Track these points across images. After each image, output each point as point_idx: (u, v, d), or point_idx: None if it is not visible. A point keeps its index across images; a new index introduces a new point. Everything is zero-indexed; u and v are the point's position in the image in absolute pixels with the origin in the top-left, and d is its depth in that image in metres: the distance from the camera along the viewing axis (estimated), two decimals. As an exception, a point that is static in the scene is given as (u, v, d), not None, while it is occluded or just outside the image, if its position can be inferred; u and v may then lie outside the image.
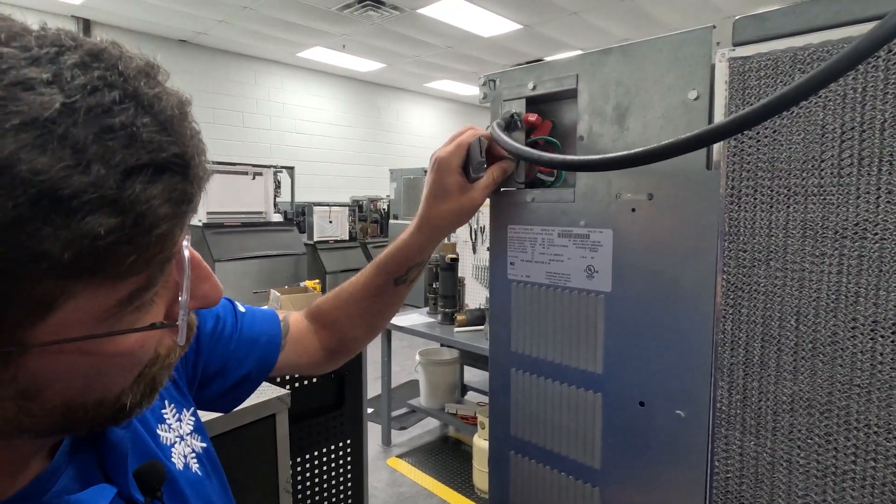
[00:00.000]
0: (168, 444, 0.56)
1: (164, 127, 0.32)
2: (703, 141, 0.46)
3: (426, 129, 11.25)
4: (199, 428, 0.62)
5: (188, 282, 0.39)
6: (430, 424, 3.97)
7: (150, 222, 0.30)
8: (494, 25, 6.82)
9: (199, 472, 0.58)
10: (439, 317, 3.51)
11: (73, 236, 0.27)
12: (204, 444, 0.62)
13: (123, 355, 0.36)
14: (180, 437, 0.58)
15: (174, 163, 0.32)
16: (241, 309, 0.72)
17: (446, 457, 3.52)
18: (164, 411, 0.58)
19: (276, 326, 0.74)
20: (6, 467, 0.39)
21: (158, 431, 0.56)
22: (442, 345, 3.77)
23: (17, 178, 0.25)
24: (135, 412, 0.41)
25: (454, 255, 3.58)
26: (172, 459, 0.55)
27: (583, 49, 7.66)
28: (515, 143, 0.68)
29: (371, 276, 0.77)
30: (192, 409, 0.63)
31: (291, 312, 0.80)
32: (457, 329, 3.30)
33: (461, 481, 3.20)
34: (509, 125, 0.77)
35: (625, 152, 0.52)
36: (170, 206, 0.31)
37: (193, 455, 0.59)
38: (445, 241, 4.17)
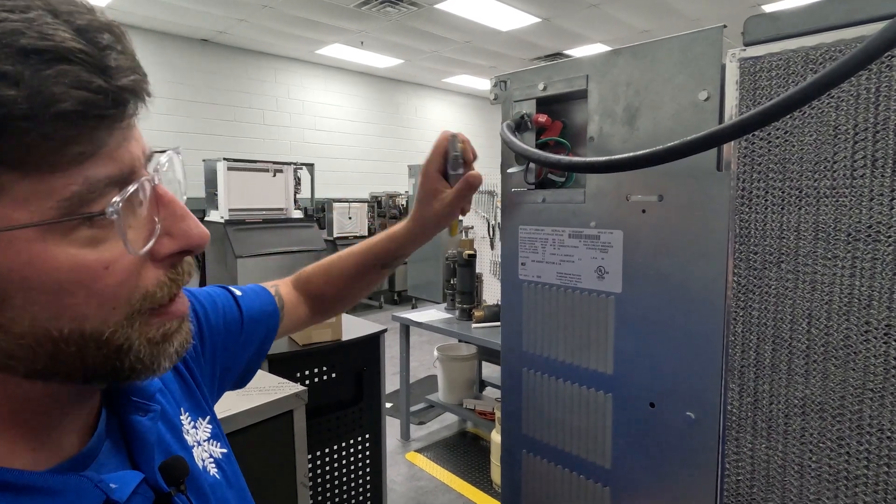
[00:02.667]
0: (189, 444, 0.57)
1: (74, 28, 0.33)
2: (705, 144, 0.46)
3: (445, 125, 11.23)
4: (216, 435, 0.63)
5: (148, 197, 0.38)
6: (449, 419, 3.99)
7: (46, 98, 0.31)
8: (513, 19, 6.76)
9: (218, 476, 0.59)
10: (457, 313, 3.52)
11: None
12: (224, 450, 0.62)
13: (82, 271, 0.35)
14: (197, 442, 0.59)
15: (80, 57, 0.33)
16: (238, 292, 0.74)
17: (464, 451, 3.54)
18: (181, 417, 0.59)
19: (271, 302, 0.79)
20: (30, 435, 0.40)
21: (182, 431, 0.57)
22: (460, 340, 3.78)
23: None
24: (146, 368, 0.41)
25: (472, 252, 3.58)
26: (194, 460, 0.56)
27: (603, 42, 7.56)
28: (523, 144, 0.69)
29: (362, 261, 0.83)
30: (209, 417, 0.63)
31: (279, 284, 0.84)
32: (474, 325, 3.31)
33: (479, 476, 3.21)
34: (519, 126, 0.77)
35: (627, 155, 0.51)
36: (72, 90, 0.32)
37: (211, 460, 0.59)
38: (463, 237, 4.17)
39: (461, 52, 8.31)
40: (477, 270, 3.59)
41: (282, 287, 0.83)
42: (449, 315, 3.60)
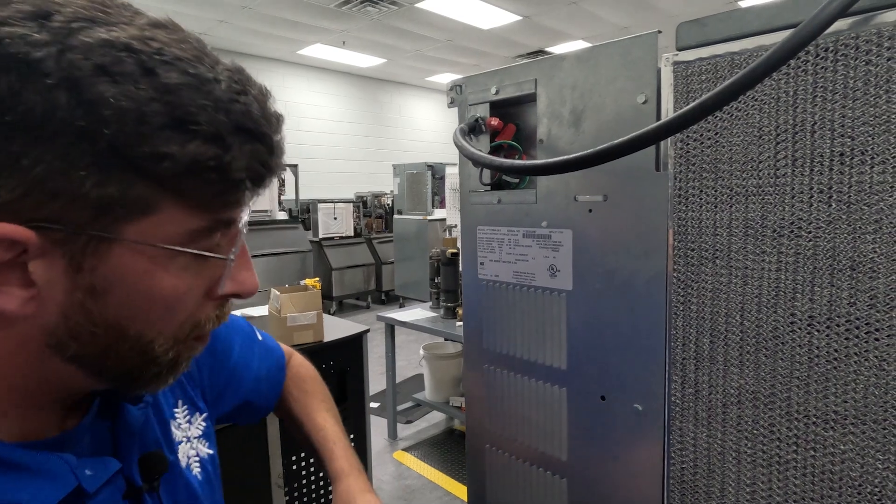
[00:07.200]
0: (176, 440, 0.59)
1: (266, 114, 0.41)
2: (630, 147, 0.48)
3: (428, 124, 11.24)
4: (208, 435, 0.64)
5: (239, 247, 0.45)
6: (436, 418, 4.01)
7: (237, 164, 0.39)
8: (494, 17, 6.79)
9: (199, 477, 0.60)
10: (442, 311, 3.54)
11: (187, 150, 0.36)
12: (211, 452, 0.63)
13: (171, 292, 0.41)
14: (187, 438, 0.61)
15: (267, 141, 0.41)
16: (259, 337, 0.80)
17: (451, 449, 3.56)
18: (175, 410, 0.61)
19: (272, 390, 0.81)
20: (28, 410, 0.43)
21: (170, 424, 0.59)
22: (445, 339, 3.80)
23: (177, 98, 0.36)
24: (157, 381, 0.45)
25: (455, 251, 3.60)
26: (177, 454, 0.58)
27: (584, 39, 7.61)
28: (473, 148, 0.70)
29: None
30: (205, 415, 0.65)
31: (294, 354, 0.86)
32: (458, 323, 3.33)
33: (466, 473, 3.24)
34: (473, 129, 0.79)
35: (554, 159, 0.53)
36: (255, 163, 0.40)
37: (197, 459, 0.61)
38: (447, 235, 4.18)
39: (443, 51, 8.32)
40: (460, 269, 3.61)
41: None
42: (434, 314, 3.62)
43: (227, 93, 0.39)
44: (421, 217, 6.07)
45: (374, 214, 7.97)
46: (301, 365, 0.85)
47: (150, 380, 0.45)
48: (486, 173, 0.80)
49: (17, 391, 0.42)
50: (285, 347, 0.84)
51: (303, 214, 7.16)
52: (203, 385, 0.68)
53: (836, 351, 0.52)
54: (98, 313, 0.39)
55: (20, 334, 0.39)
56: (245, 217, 0.45)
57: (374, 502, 0.69)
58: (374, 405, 3.80)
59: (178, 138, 0.36)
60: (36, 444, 0.43)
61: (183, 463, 0.58)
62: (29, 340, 0.40)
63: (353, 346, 2.48)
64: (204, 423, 0.64)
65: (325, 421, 0.79)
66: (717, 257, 0.60)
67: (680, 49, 0.60)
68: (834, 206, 0.51)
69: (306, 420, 0.80)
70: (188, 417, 0.62)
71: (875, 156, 0.48)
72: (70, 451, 0.45)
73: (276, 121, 0.43)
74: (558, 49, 7.95)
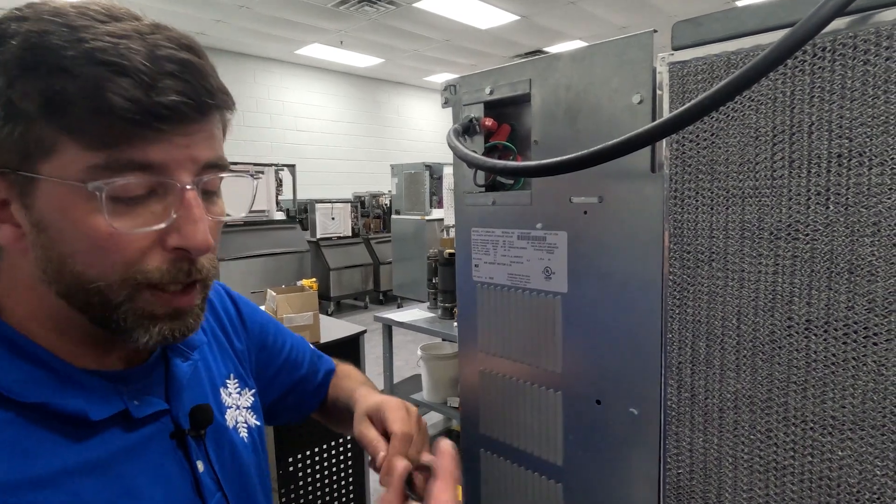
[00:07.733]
0: (225, 405, 0.64)
1: (151, 55, 0.42)
2: (624, 149, 0.47)
3: (426, 124, 11.24)
4: (256, 408, 0.69)
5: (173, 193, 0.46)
6: (434, 418, 4.01)
7: (100, 95, 0.41)
8: (492, 17, 6.78)
9: (245, 440, 0.64)
10: (439, 311, 3.54)
11: (38, 85, 0.41)
12: (258, 423, 0.69)
13: (91, 231, 0.44)
14: (236, 405, 0.66)
15: (136, 75, 0.41)
16: (310, 346, 0.88)
17: (449, 450, 3.55)
18: (227, 381, 0.66)
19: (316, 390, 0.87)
20: (71, 341, 0.49)
21: (221, 391, 0.64)
22: (443, 339, 3.79)
23: (30, 43, 0.41)
24: (126, 330, 0.47)
25: (453, 251, 3.59)
26: (225, 416, 0.62)
27: (582, 38, 7.61)
28: (467, 149, 0.70)
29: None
30: (254, 391, 0.70)
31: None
32: (456, 323, 3.32)
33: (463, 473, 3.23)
34: (467, 130, 0.78)
35: (550, 160, 0.53)
36: (113, 95, 0.41)
37: (245, 425, 0.66)
38: (444, 236, 4.18)
39: (441, 51, 8.32)
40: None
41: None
42: (432, 314, 3.61)
43: (96, 35, 0.41)
44: (419, 217, 6.06)
45: (371, 214, 7.97)
46: (347, 366, 0.93)
47: (118, 327, 0.47)
48: (481, 175, 0.80)
49: (50, 320, 0.48)
50: (335, 360, 0.92)
51: (300, 214, 7.15)
52: (252, 372, 0.73)
53: (833, 356, 0.51)
54: (47, 248, 0.44)
55: (28, 270, 0.46)
56: (191, 173, 0.47)
57: (384, 397, 0.72)
58: (371, 406, 3.79)
59: (33, 76, 0.41)
60: (93, 372, 0.49)
61: (231, 424, 0.63)
62: (34, 274, 0.46)
63: (351, 347, 2.47)
64: (253, 398, 0.69)
65: (354, 384, 0.83)
66: (713, 260, 0.59)
67: (676, 49, 0.59)
68: (832, 208, 0.50)
69: (339, 392, 0.84)
70: (239, 389, 0.67)
71: (873, 157, 0.47)
72: (125, 386, 0.51)
73: (173, 63, 0.43)
74: (556, 49, 7.94)
